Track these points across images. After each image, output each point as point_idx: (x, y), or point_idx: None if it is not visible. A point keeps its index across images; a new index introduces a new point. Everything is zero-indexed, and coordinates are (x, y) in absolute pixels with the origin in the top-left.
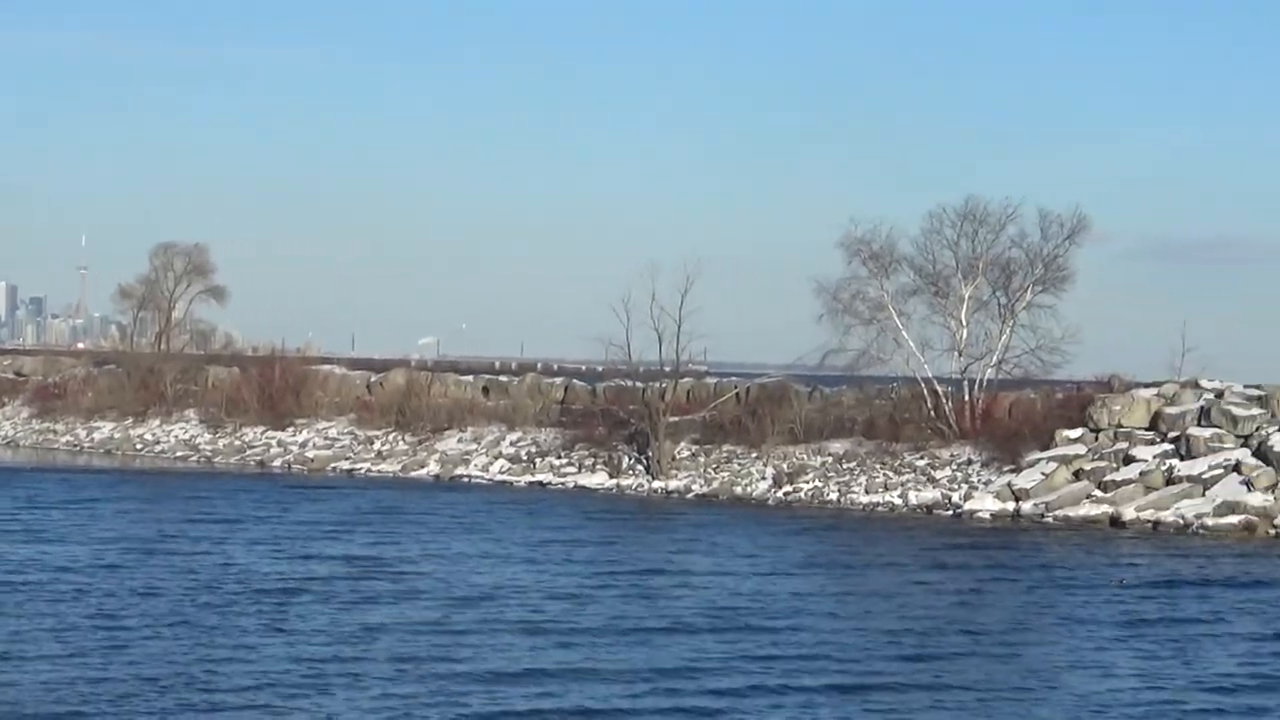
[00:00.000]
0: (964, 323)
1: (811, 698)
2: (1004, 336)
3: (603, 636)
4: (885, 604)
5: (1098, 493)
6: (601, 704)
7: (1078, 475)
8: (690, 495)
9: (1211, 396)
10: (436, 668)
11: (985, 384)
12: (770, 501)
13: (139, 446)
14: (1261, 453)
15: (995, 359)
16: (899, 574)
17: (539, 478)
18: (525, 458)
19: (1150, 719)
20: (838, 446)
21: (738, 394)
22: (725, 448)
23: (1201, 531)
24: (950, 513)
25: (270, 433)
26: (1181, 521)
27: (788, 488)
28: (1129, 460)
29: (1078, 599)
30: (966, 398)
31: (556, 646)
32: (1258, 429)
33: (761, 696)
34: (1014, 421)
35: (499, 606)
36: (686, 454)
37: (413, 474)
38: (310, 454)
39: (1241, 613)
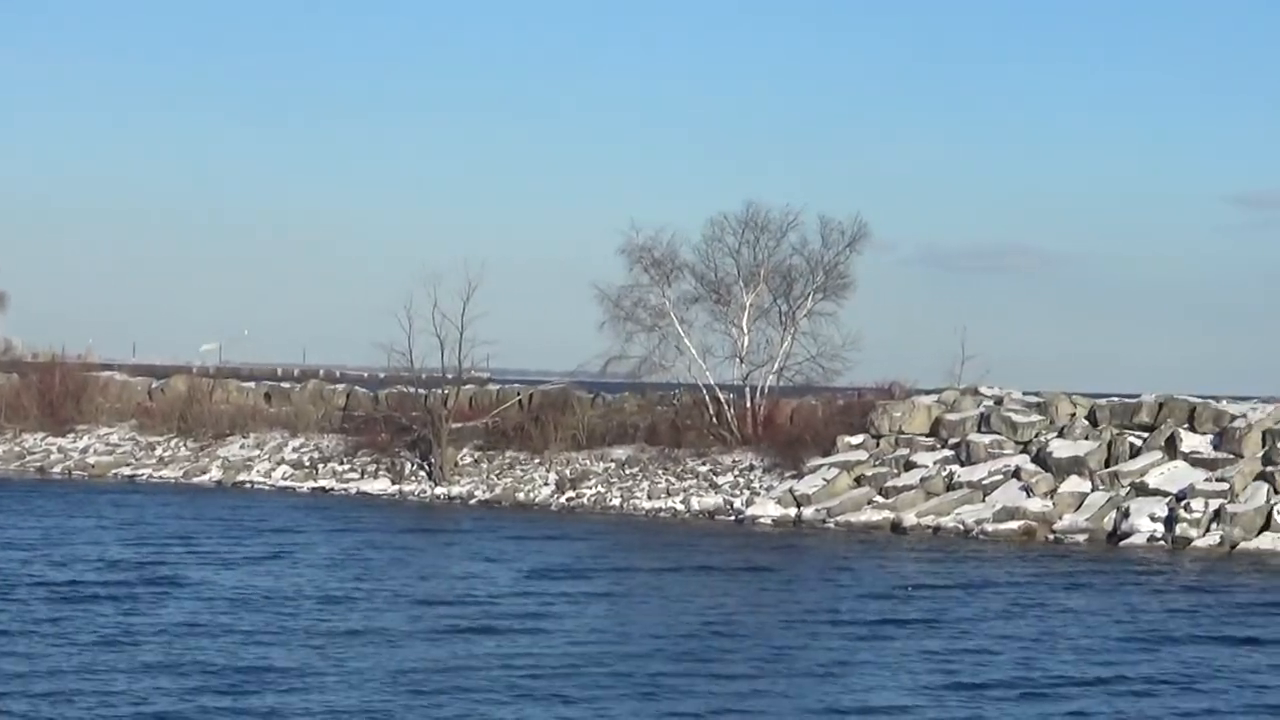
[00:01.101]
0: (745, 330)
1: (569, 696)
2: (785, 344)
3: (361, 639)
4: (656, 607)
5: (879, 498)
6: (353, 705)
7: (859, 481)
8: (473, 501)
9: (991, 403)
10: (193, 667)
11: (767, 391)
12: (553, 507)
13: None
14: (1041, 459)
15: (777, 366)
16: (674, 577)
17: (322, 484)
18: (308, 464)
19: (879, 714)
20: (620, 453)
21: (520, 400)
22: (508, 454)
23: (981, 537)
24: (732, 518)
25: (51, 439)
26: (962, 527)
27: (571, 494)
28: (910, 466)
29: (850, 603)
30: (748, 404)
31: (309, 649)
32: (1037, 435)
33: (520, 695)
34: (796, 428)
35: (261, 609)
36: (469, 460)
37: (195, 480)
38: (91, 460)
39: (1007, 616)
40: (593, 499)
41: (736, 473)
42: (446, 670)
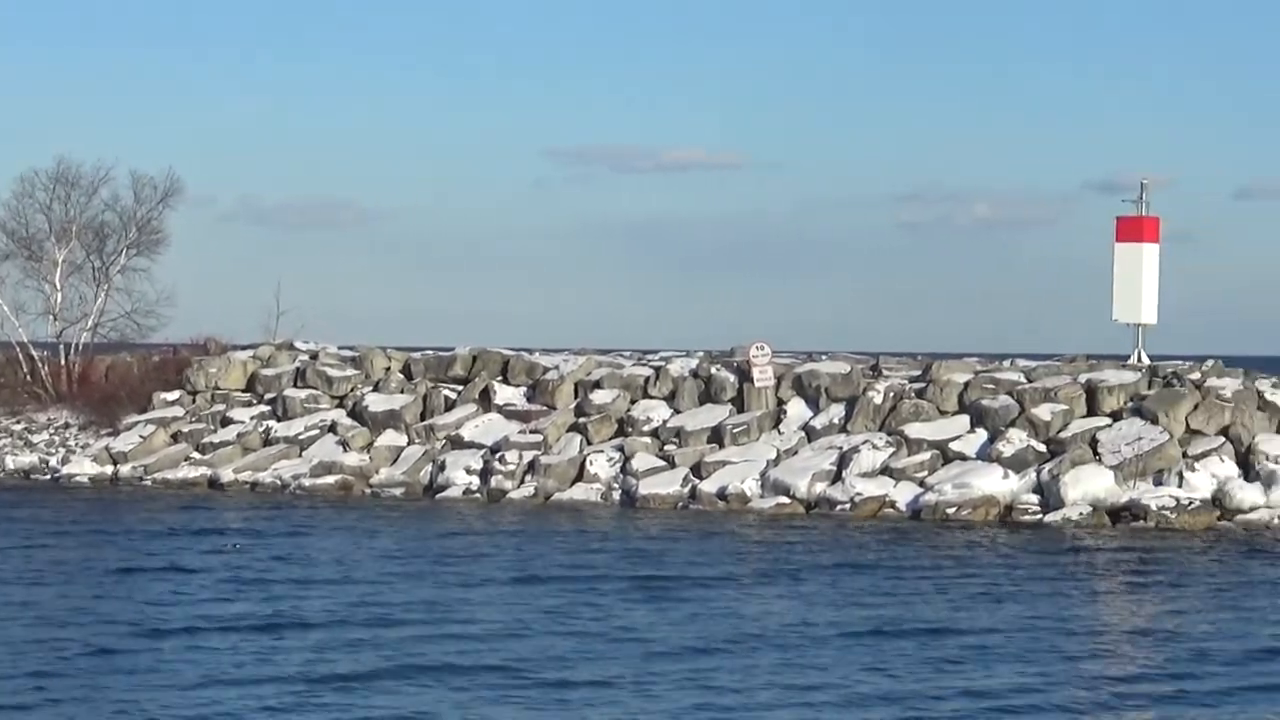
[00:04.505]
0: (59, 286)
1: None
2: (99, 300)
3: None
4: None
5: (196, 455)
6: None
7: (176, 438)
8: None
9: (307, 358)
10: None
11: (82, 348)
12: None
13: None
14: (356, 413)
15: (91, 322)
16: None
17: None
18: None
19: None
20: None
21: None
22: None
23: (299, 491)
24: (49, 477)
25: None
26: (280, 482)
27: None
28: (227, 422)
29: (169, 554)
30: (63, 362)
31: None
32: (352, 390)
33: None
34: (111, 385)
35: None
36: None
37: None
38: None
39: (302, 564)
40: None
41: (52, 431)
42: None
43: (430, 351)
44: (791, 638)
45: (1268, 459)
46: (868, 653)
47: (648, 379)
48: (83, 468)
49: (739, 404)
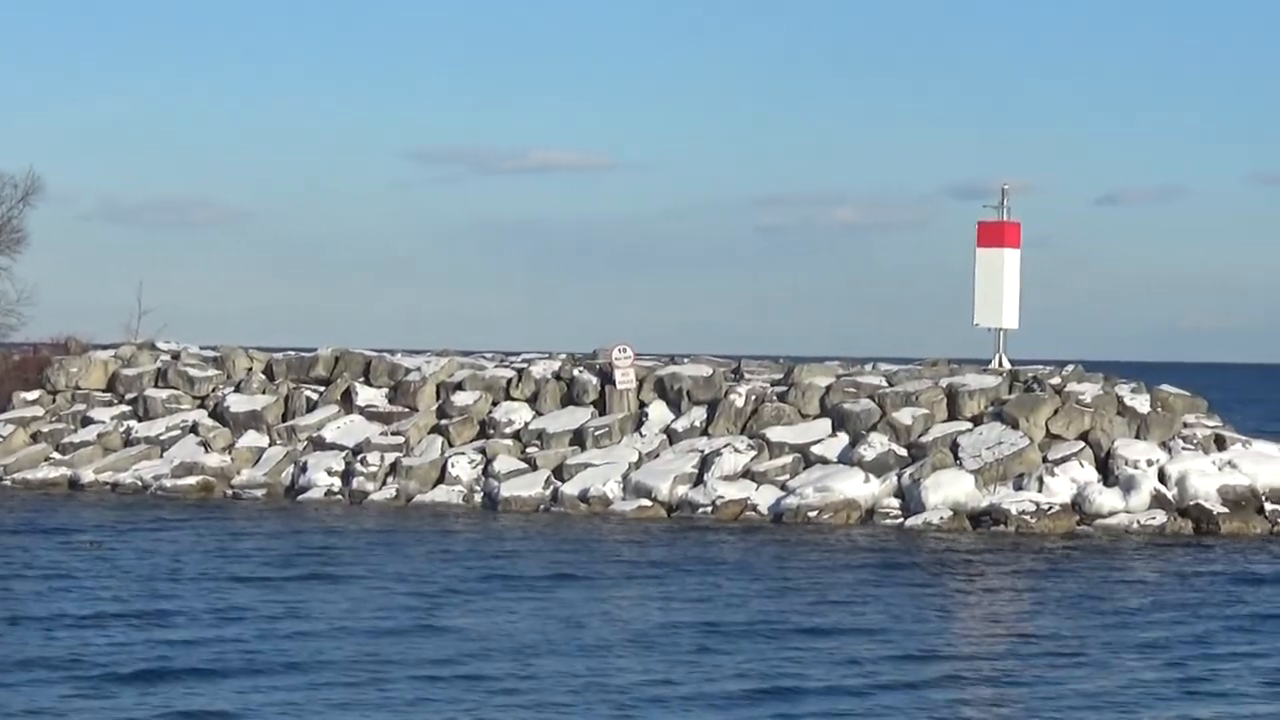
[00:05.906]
0: None
1: None
2: None
3: None
4: None
5: (56, 455)
6: None
7: (35, 438)
8: None
9: (169, 358)
10: None
11: None
12: None
13: None
14: (218, 414)
15: None
16: None
17: None
18: None
19: None
20: None
21: None
22: None
23: (160, 493)
24: None
25: None
26: (140, 483)
27: None
28: (87, 422)
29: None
30: None
31: None
32: (214, 390)
33: None
34: None
35: None
36: None
37: None
38: None
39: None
40: None
41: None
42: None
43: (292, 352)
44: (614, 636)
45: (1127, 464)
46: (699, 649)
47: (510, 381)
48: None
49: (601, 406)
